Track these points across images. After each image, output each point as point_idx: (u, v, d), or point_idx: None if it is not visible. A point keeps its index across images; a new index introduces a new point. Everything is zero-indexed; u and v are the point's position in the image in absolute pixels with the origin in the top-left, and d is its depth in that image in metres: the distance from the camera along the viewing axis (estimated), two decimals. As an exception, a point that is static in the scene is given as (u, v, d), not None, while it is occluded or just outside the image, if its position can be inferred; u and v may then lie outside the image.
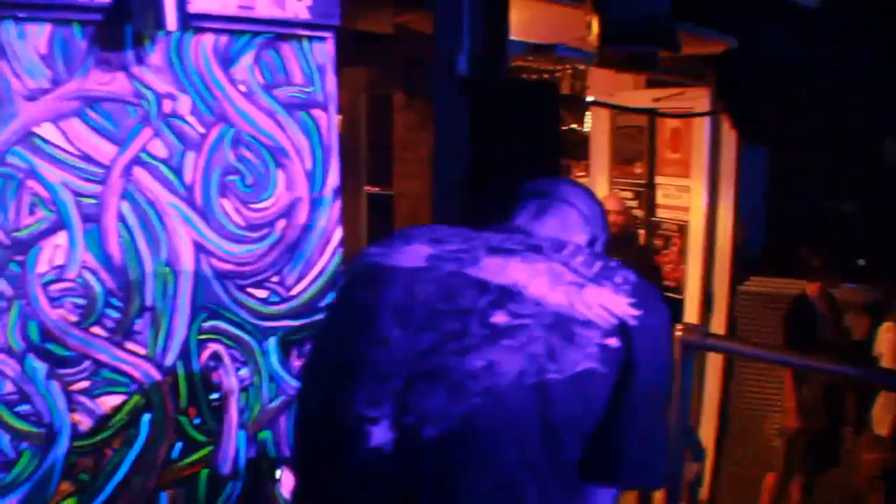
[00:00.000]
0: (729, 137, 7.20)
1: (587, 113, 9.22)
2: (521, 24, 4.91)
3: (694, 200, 7.51)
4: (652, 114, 7.35)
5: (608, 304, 1.84)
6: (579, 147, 9.27)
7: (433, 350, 1.82)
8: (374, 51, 4.99)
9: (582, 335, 1.80)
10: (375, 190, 6.35)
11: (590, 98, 8.17)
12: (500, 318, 1.84)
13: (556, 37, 5.79)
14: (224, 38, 3.34)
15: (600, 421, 1.80)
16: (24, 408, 2.95)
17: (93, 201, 3.06)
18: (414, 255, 2.01)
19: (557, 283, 1.87)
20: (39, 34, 2.99)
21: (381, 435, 1.78)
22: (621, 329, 1.81)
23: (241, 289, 3.38)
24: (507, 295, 1.86)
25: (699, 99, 7.22)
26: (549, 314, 1.82)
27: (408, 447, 1.76)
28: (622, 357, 1.80)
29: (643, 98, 7.65)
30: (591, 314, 1.82)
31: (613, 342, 1.80)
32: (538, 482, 1.75)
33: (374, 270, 2.02)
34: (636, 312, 1.84)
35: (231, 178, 3.35)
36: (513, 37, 4.82)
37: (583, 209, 2.20)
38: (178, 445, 3.27)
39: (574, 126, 9.58)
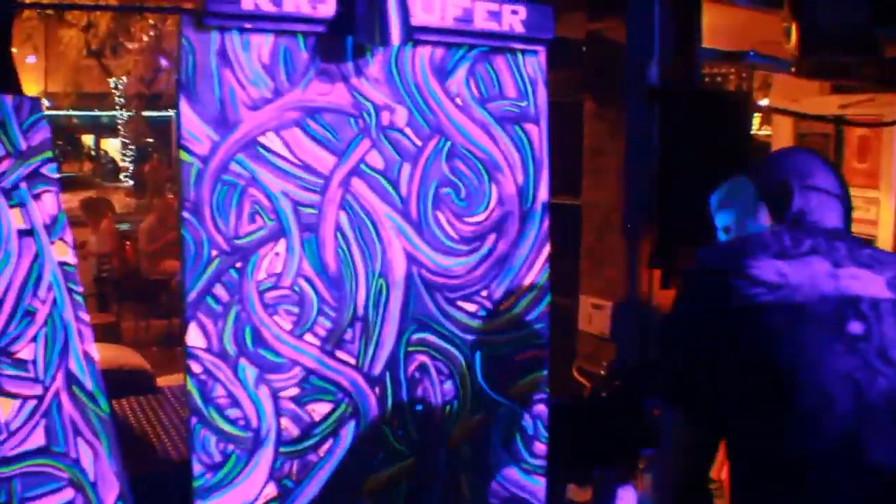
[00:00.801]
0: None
1: (756, 116, 8.73)
2: (711, 30, 4.62)
3: (883, 213, 6.92)
4: (839, 122, 6.84)
5: None
6: (757, 153, 8.77)
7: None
8: (563, 57, 4.75)
9: None
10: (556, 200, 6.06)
11: (763, 102, 7.66)
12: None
13: (745, 43, 5.44)
14: (440, 51, 3.18)
15: None
16: (234, 412, 2.85)
17: (312, 211, 2.94)
18: (812, 273, 2.01)
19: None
20: (263, 45, 2.89)
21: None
22: None
23: (451, 302, 3.21)
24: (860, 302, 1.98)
25: (890, 106, 6.64)
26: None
27: None
28: None
29: (828, 104, 7.10)
30: None
31: None
32: None
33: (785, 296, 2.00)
34: None
35: (446, 190, 3.19)
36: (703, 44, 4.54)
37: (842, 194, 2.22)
38: (380, 456, 3.12)
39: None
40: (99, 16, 12.85)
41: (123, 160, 19.70)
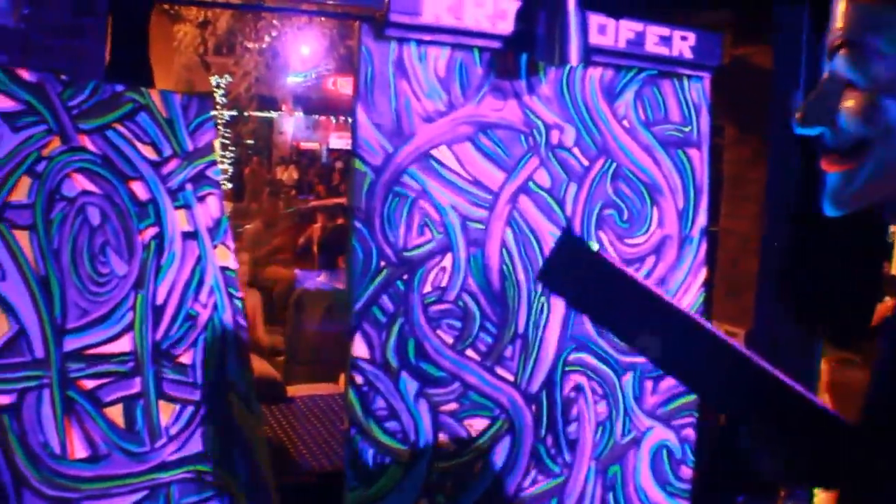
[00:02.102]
0: None
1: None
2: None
3: None
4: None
5: None
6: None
7: None
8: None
9: None
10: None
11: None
12: None
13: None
14: (610, 73, 2.54)
15: None
16: (392, 424, 2.23)
17: (479, 226, 2.31)
18: None
19: None
20: (440, 58, 2.27)
21: None
22: None
23: (608, 323, 2.52)
24: None
25: None
26: None
27: None
28: None
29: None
30: None
31: None
32: None
33: None
34: None
35: (609, 211, 2.53)
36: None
37: None
38: (533, 474, 2.45)
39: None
40: (218, 13, 11.19)
41: (222, 162, 16.41)
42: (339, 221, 7.81)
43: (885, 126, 0.93)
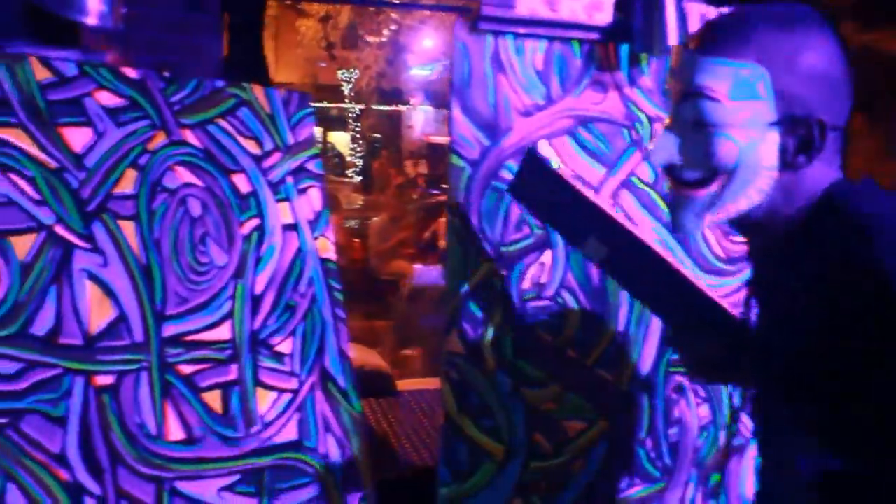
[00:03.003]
0: None
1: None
2: None
3: None
4: None
5: None
6: None
7: None
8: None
9: None
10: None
11: None
12: None
13: None
14: None
15: None
16: (487, 421, 2.07)
17: (578, 221, 2.12)
18: None
19: None
20: (538, 51, 2.12)
21: None
22: None
23: (712, 323, 2.31)
24: None
25: None
26: None
27: None
28: None
29: None
30: None
31: None
32: None
33: None
34: None
35: (714, 209, 2.30)
36: None
37: None
38: (631, 478, 2.26)
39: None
40: (339, 8, 11.01)
41: (352, 155, 15.63)
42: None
43: (727, 159, 1.07)
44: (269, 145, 2.02)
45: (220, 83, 1.98)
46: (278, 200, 2.00)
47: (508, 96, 2.13)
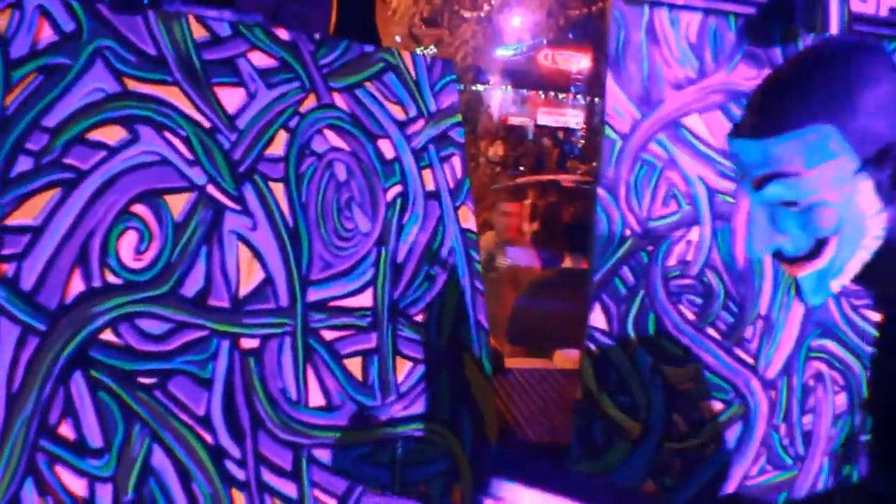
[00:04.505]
0: None
1: None
2: None
3: None
4: None
5: None
6: None
7: None
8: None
9: None
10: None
11: None
12: None
13: None
14: None
15: None
16: (624, 398, 1.83)
17: (728, 199, 1.85)
18: None
19: None
20: (692, 23, 1.82)
21: None
22: None
23: (855, 309, 2.01)
24: None
25: None
26: None
27: None
28: None
29: None
30: None
31: None
32: None
33: None
34: None
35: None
36: None
37: None
38: (762, 463, 1.99)
39: None
40: None
41: None
42: (552, 199, 7.35)
43: (829, 223, 0.90)
44: (412, 111, 1.81)
45: (368, 47, 1.77)
46: (421, 168, 1.79)
47: (661, 68, 1.85)
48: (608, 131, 1.80)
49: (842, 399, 2.07)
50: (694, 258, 1.88)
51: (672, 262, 1.86)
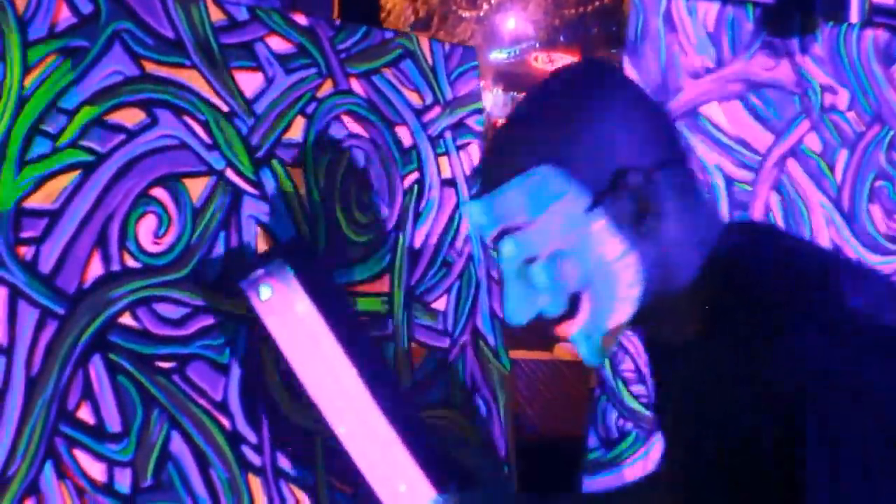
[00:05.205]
0: None
1: None
2: None
3: None
4: None
5: None
6: None
7: None
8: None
9: None
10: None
11: None
12: None
13: None
14: (886, 35, 1.98)
15: None
16: (639, 388, 1.84)
17: (746, 188, 1.86)
18: None
19: None
20: (710, 11, 1.84)
21: None
22: None
23: (871, 303, 2.01)
24: None
25: None
26: None
27: None
28: None
29: None
30: None
31: None
32: None
33: None
34: None
35: (882, 183, 2.01)
36: None
37: None
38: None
39: None
40: None
41: None
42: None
43: (573, 276, 0.80)
44: (429, 99, 1.81)
45: (388, 33, 1.78)
46: (438, 155, 1.80)
47: (678, 56, 1.86)
48: (626, 119, 1.80)
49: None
50: (711, 248, 1.89)
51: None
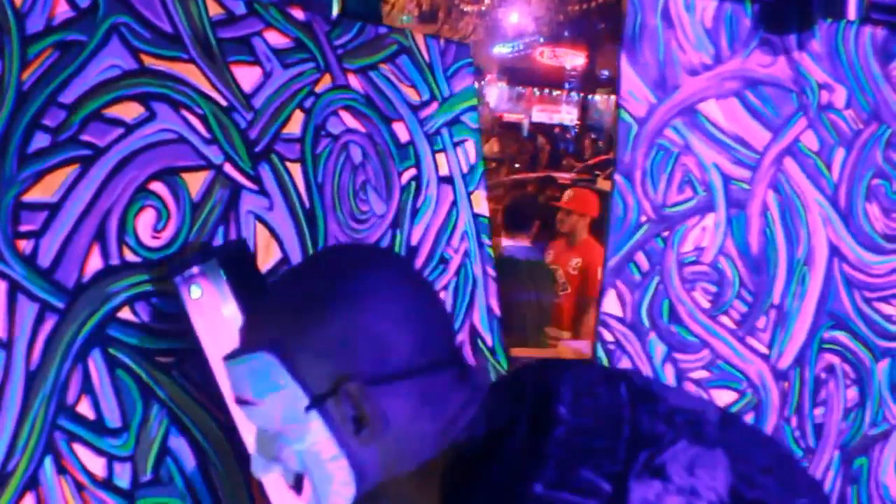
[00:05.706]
0: None
1: None
2: None
3: None
4: None
5: None
6: None
7: None
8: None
9: None
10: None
11: None
12: None
13: None
14: (884, 33, 2.02)
15: None
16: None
17: (743, 186, 1.89)
18: None
19: None
20: (708, 8, 1.87)
21: None
22: None
23: (868, 301, 2.06)
24: None
25: None
26: None
27: None
28: None
29: None
30: None
31: None
32: None
33: None
34: None
35: (879, 181, 2.03)
36: None
37: None
38: (776, 452, 2.01)
39: None
40: None
41: None
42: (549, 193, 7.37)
43: (291, 461, 0.81)
44: (426, 95, 1.84)
45: (382, 28, 1.80)
46: (435, 151, 1.82)
47: (676, 53, 1.89)
48: (623, 115, 1.83)
49: (853, 393, 2.12)
50: (709, 245, 1.91)
51: (688, 248, 1.90)
